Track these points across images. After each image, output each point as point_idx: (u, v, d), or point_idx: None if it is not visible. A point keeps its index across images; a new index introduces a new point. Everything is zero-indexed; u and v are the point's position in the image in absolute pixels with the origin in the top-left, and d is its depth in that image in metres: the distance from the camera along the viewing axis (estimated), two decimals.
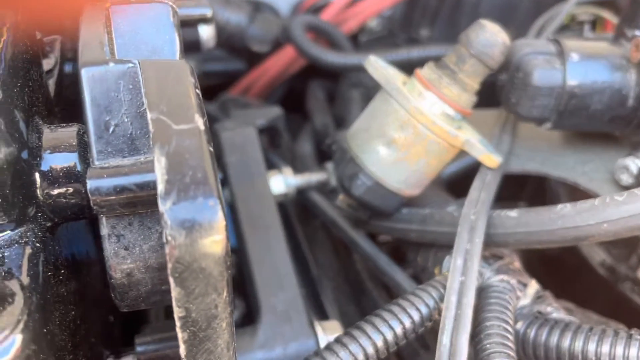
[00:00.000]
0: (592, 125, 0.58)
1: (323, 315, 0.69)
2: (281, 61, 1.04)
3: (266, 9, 1.20)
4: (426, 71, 0.55)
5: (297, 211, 0.81)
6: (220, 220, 0.29)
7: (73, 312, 0.40)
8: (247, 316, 0.70)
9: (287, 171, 0.70)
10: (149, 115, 0.31)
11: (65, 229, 0.44)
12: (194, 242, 0.28)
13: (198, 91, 0.34)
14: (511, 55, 0.57)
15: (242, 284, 0.68)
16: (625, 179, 0.56)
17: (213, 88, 1.21)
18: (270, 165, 0.74)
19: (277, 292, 0.58)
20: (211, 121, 0.88)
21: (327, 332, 0.57)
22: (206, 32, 0.81)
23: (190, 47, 0.83)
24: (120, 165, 0.33)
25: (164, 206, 0.28)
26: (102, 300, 0.56)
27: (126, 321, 0.64)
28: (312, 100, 0.98)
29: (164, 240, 0.28)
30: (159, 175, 0.29)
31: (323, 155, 0.85)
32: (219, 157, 0.70)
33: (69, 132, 0.36)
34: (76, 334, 0.40)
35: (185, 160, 0.29)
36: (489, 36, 0.51)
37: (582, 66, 0.55)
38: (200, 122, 0.31)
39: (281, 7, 1.21)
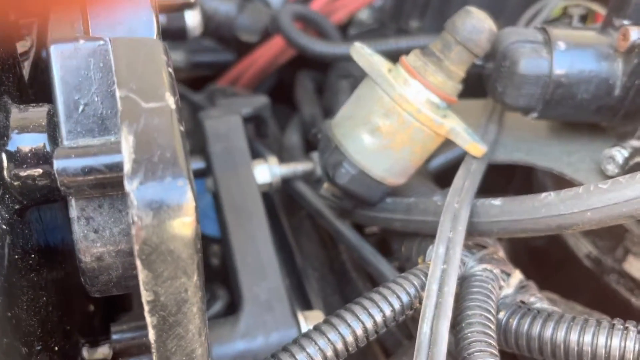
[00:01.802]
0: (579, 115, 0.57)
1: (307, 305, 0.68)
2: (270, 51, 1.03)
3: None
4: (412, 58, 0.54)
5: (283, 201, 0.81)
6: (189, 201, 0.28)
7: (44, 299, 0.39)
8: (231, 306, 0.69)
9: (272, 160, 0.69)
10: (117, 93, 0.30)
11: (43, 215, 0.43)
12: (161, 223, 0.28)
13: (170, 70, 0.33)
14: (498, 44, 0.57)
15: (226, 273, 0.67)
16: (612, 169, 0.55)
17: (202, 79, 1.20)
18: (256, 155, 0.73)
19: (260, 282, 0.58)
20: (198, 111, 0.87)
21: (310, 321, 0.56)
22: (192, 19, 0.80)
23: (177, 34, 0.82)
24: (89, 145, 0.32)
25: (130, 186, 0.27)
26: (81, 289, 0.55)
27: (111, 310, 0.64)
28: (301, 91, 0.97)
29: (130, 220, 0.27)
30: (126, 155, 0.28)
31: (311, 146, 0.84)
32: (203, 146, 0.69)
33: (38, 112, 0.35)
34: (47, 320, 0.39)
35: (154, 139, 0.28)
36: (476, 22, 0.51)
37: (569, 55, 0.55)
38: (171, 101, 0.30)
39: None
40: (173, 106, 0.30)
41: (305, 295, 0.69)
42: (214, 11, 0.99)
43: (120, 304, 0.67)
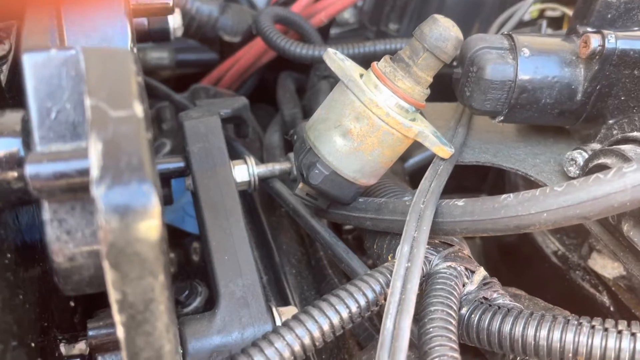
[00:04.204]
0: (543, 118, 0.59)
1: (285, 301, 0.70)
2: (253, 51, 1.04)
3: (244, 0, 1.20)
4: (382, 64, 0.56)
5: (263, 200, 0.82)
6: (154, 205, 0.30)
7: (21, 297, 0.40)
8: (211, 301, 0.71)
9: (251, 160, 0.71)
10: (87, 102, 0.31)
11: (19, 215, 0.44)
12: (128, 226, 0.29)
13: (140, 79, 0.34)
14: (466, 50, 0.59)
15: (205, 270, 0.69)
16: (573, 170, 0.58)
17: (187, 77, 1.21)
18: (236, 155, 0.75)
19: (236, 279, 0.59)
20: (182, 110, 0.88)
21: (285, 317, 0.58)
22: (173, 21, 0.81)
23: (159, 36, 0.83)
24: (61, 151, 0.33)
25: (98, 191, 0.29)
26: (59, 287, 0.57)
27: (92, 307, 0.65)
28: (281, 91, 0.99)
29: (98, 224, 0.29)
30: (94, 161, 0.29)
31: (291, 145, 0.86)
32: (182, 146, 0.70)
33: (13, 118, 0.36)
34: (24, 318, 0.40)
35: (121, 147, 0.30)
36: (442, 31, 0.53)
37: (533, 61, 0.57)
38: (138, 109, 0.32)
39: None
40: (141, 115, 0.31)
41: (283, 290, 0.71)
42: (197, 12, 1.01)
43: (100, 300, 0.68)
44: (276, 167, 0.72)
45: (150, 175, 0.30)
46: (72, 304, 0.64)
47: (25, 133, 0.35)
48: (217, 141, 0.69)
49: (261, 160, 0.86)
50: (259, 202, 0.81)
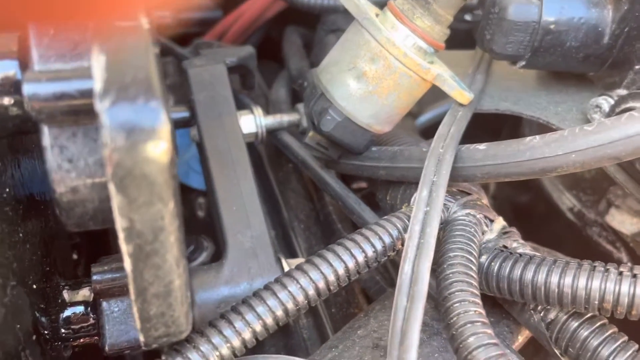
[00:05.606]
0: (567, 63, 0.56)
1: (293, 256, 0.69)
2: (257, 4, 1.00)
3: None
4: (400, 1, 0.53)
5: (270, 155, 0.80)
6: (163, 124, 0.27)
7: (21, 235, 0.38)
8: (217, 257, 0.69)
9: (258, 111, 0.68)
10: None
11: (19, 156, 0.42)
12: (135, 145, 0.27)
13: None
14: None
15: (211, 223, 0.67)
16: (598, 117, 0.55)
17: (190, 37, 1.17)
18: (242, 106, 0.72)
19: (244, 230, 0.57)
20: None
21: None
22: None
23: None
24: (61, 69, 0.31)
25: (101, 105, 0.26)
26: (63, 236, 0.55)
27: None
28: (288, 45, 0.95)
29: (102, 142, 0.26)
30: (97, 74, 0.27)
31: (298, 100, 0.83)
32: (186, 95, 0.67)
33: (9, 38, 0.33)
34: (24, 258, 0.38)
35: (126, 59, 0.27)
36: None
37: (559, 1, 0.54)
38: (144, 21, 0.29)
39: None
40: (147, 26, 0.29)
41: (291, 245, 0.69)
42: None
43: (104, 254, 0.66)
44: (284, 118, 0.69)
45: (158, 92, 0.27)
46: (75, 256, 0.62)
47: (23, 54, 0.33)
48: (222, 89, 0.66)
49: None
50: (266, 158, 0.79)
